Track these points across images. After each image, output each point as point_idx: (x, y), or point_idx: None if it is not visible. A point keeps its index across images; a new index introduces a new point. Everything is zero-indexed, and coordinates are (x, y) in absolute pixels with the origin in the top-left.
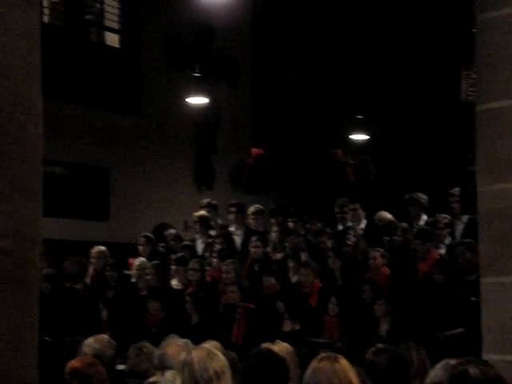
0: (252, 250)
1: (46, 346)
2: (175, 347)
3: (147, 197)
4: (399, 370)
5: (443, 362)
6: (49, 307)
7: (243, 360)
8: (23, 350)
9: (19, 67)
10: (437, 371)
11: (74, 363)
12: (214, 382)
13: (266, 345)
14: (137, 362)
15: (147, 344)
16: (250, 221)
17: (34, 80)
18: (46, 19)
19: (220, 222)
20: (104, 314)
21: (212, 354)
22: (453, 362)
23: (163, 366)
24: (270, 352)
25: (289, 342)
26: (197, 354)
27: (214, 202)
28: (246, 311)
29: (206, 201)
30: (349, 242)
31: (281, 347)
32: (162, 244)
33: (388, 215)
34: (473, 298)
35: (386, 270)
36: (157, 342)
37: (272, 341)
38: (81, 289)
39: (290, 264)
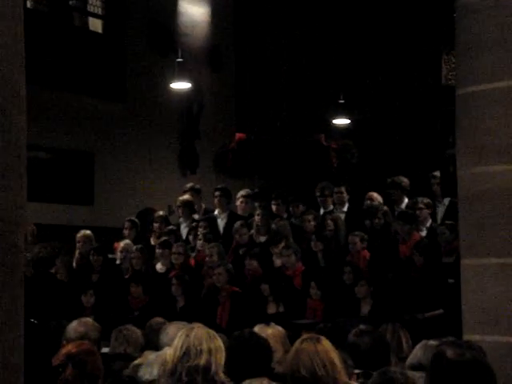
0: (237, 236)
1: (32, 328)
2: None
3: (131, 181)
4: (381, 350)
5: (422, 343)
6: (32, 291)
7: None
8: (8, 334)
9: (2, 52)
10: (416, 352)
11: (70, 348)
12: (205, 355)
13: (258, 326)
14: (116, 344)
15: (128, 327)
16: (239, 204)
17: (18, 65)
18: (29, 4)
19: (203, 206)
20: (86, 298)
21: (211, 334)
22: (432, 342)
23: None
24: (252, 334)
25: None
26: (197, 330)
27: (197, 186)
28: (231, 294)
29: (188, 185)
30: (329, 228)
31: (274, 330)
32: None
33: (378, 197)
34: (450, 281)
35: (366, 254)
36: (140, 325)
37: (262, 323)
38: (61, 273)
39: (274, 250)
